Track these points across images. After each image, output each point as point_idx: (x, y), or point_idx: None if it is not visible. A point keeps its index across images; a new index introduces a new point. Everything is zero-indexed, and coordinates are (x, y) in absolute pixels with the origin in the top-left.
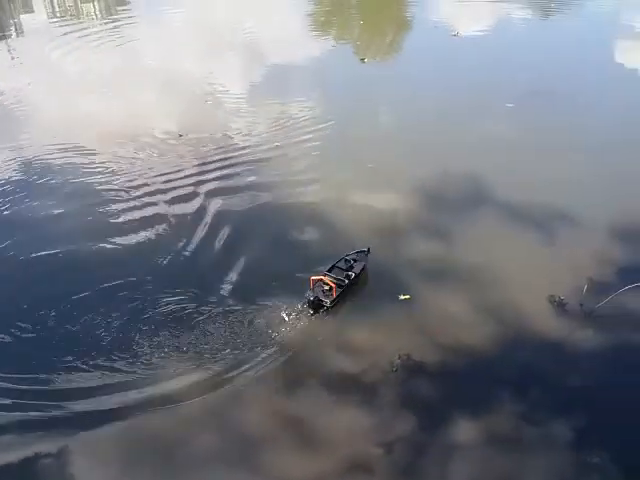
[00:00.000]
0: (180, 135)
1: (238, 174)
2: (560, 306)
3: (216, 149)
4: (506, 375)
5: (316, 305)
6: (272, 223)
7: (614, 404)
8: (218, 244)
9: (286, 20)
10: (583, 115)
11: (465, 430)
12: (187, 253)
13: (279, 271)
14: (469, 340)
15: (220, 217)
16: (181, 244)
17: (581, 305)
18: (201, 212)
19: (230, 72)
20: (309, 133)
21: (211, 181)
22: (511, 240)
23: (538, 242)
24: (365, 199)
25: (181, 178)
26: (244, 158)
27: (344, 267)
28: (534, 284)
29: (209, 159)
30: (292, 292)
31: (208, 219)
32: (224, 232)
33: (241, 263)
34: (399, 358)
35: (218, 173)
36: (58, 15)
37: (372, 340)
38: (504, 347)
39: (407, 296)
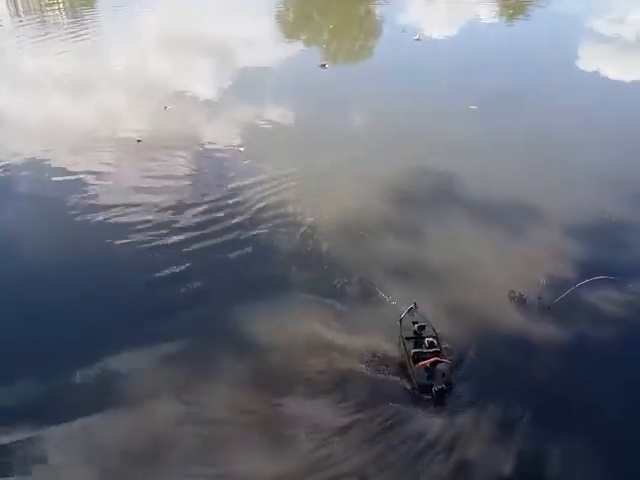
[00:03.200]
0: (138, 140)
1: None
2: (520, 301)
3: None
4: (469, 367)
5: (444, 392)
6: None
7: (571, 392)
8: None
9: (255, 24)
10: (544, 116)
11: (429, 421)
12: None
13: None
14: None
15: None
16: None
17: (539, 299)
18: None
19: (192, 77)
20: (270, 130)
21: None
22: (474, 238)
23: (499, 240)
24: (332, 198)
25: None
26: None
27: (414, 335)
28: (495, 280)
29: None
30: None
31: None
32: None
33: None
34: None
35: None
36: (22, 15)
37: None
38: (468, 341)
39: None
